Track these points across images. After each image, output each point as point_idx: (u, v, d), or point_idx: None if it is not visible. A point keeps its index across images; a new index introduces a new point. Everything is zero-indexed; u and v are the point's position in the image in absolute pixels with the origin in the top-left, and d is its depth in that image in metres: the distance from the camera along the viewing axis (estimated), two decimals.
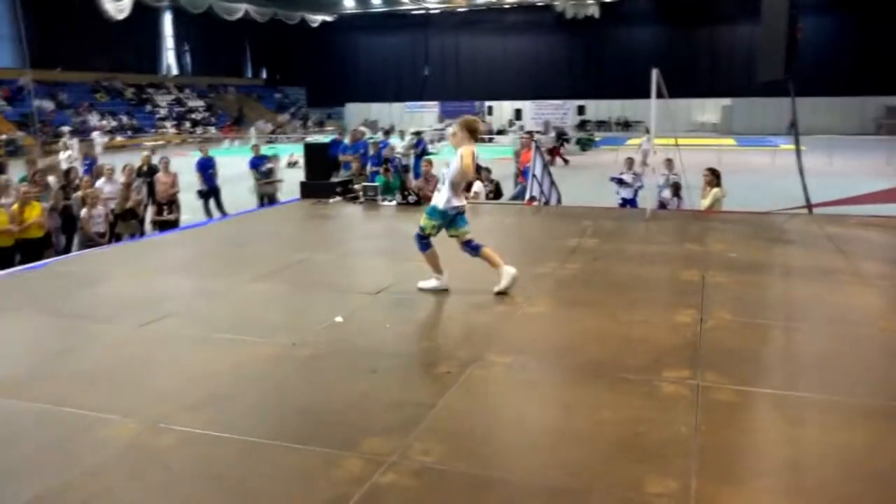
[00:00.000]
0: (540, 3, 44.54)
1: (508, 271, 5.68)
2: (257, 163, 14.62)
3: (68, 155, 14.02)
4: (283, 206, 11.28)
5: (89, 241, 9.93)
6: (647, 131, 23.50)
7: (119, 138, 36.85)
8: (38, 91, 37.82)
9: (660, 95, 8.97)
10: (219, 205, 14.22)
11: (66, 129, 34.72)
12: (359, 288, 6.00)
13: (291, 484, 3.06)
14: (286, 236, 8.62)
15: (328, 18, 49.83)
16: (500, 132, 40.30)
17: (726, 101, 40.81)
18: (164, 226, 11.06)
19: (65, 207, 10.60)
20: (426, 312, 5.42)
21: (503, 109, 44.67)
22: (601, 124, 44.19)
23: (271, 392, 3.98)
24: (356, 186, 11.18)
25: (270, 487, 3.01)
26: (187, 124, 42.54)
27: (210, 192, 14.19)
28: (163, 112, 42.82)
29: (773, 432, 3.50)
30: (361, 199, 10.81)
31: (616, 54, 43.68)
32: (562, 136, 28.39)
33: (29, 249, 9.08)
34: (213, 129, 42.66)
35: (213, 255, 7.58)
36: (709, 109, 41.43)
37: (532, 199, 10.50)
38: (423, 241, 5.71)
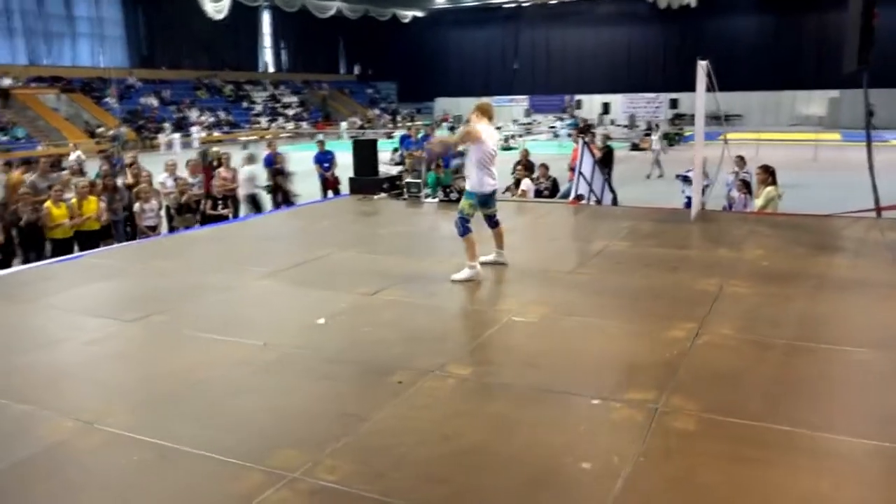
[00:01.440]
0: None
1: (469, 271, 5.92)
2: (321, 158, 14.85)
3: (77, 155, 14.67)
4: (330, 203, 11.38)
5: (142, 234, 10.36)
6: (656, 127, 21.70)
7: (216, 133, 38.48)
8: (145, 89, 40.18)
9: (709, 89, 8.37)
10: (286, 197, 14.61)
11: (167, 125, 36.65)
12: (361, 287, 5.90)
13: (186, 496, 2.99)
14: (315, 233, 8.65)
15: (419, 14, 50.15)
16: (589, 126, 39.33)
17: (834, 93, 38.12)
18: (215, 220, 11.36)
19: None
20: (412, 315, 5.26)
21: (593, 103, 43.54)
22: None
23: (217, 396, 3.95)
24: (403, 182, 11.13)
25: (164, 499, 2.96)
26: (280, 119, 43.92)
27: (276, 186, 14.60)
28: (258, 108, 44.40)
29: (725, 471, 3.11)
30: (405, 196, 10.75)
31: (714, 45, 41.43)
32: (588, 129, 27.33)
33: (87, 241, 9.55)
34: (304, 125, 43.86)
35: (236, 250, 7.69)
36: (815, 102, 38.82)
37: (579, 198, 10.09)
38: (466, 223, 6.01)
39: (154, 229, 10.49)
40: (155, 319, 5.20)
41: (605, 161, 15.32)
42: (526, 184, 11.09)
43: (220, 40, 44.11)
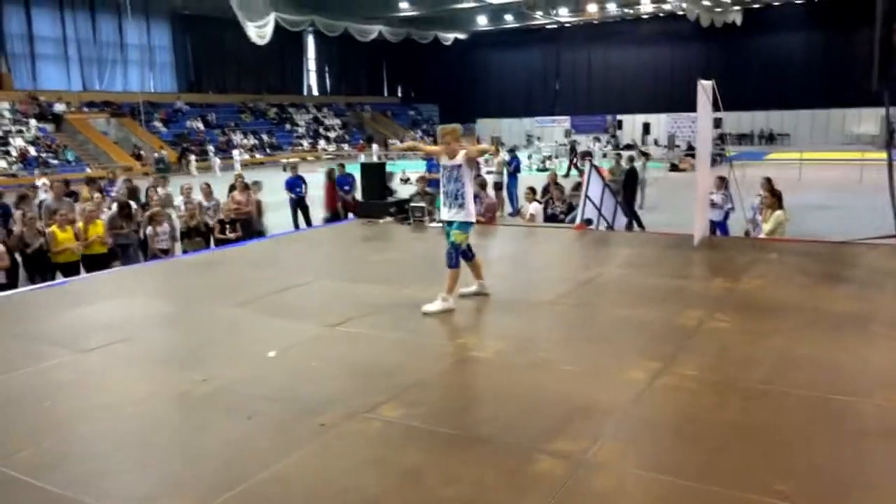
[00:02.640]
0: (680, 13, 42.39)
1: (442, 304, 5.70)
2: (342, 181, 14.88)
3: (121, 182, 14.99)
4: (334, 227, 11.27)
5: (154, 257, 10.44)
6: (642, 154, 20.76)
7: (258, 156, 39.21)
8: (191, 112, 41.28)
9: (715, 109, 7.99)
10: (306, 217, 14.70)
11: (210, 147, 37.49)
12: (329, 317, 5.71)
13: None
14: (307, 259, 8.53)
15: (461, 36, 50.39)
16: (630, 146, 38.70)
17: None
18: (223, 244, 11.38)
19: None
20: (368, 348, 5.03)
21: (635, 123, 42.83)
22: (742, 137, 41.23)
23: (130, 435, 3.77)
24: (409, 206, 10.96)
25: None
26: (322, 142, 44.52)
27: (298, 205, 14.74)
28: (301, 130, 45.12)
29: None
30: (410, 221, 10.57)
31: (759, 63, 40.67)
32: (586, 154, 26.55)
33: (93, 264, 9.64)
34: (346, 146, 44.34)
35: (220, 277, 7.62)
36: (866, 120, 37.35)
37: (587, 222, 9.74)
38: (458, 255, 5.83)
39: (167, 252, 10.56)
40: (115, 349, 5.09)
41: (628, 183, 14.94)
42: (533, 207, 10.78)
43: (265, 65, 45.12)
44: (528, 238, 9.41)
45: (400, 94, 55.68)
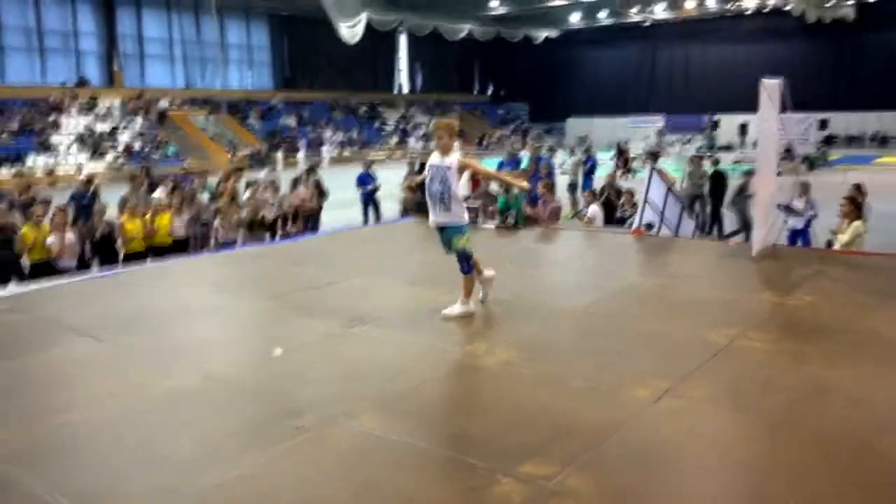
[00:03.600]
0: (785, 8, 40.16)
1: (462, 307, 5.52)
2: (363, 178, 15.10)
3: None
4: (388, 225, 11.25)
5: (219, 248, 10.78)
6: (654, 158, 18.90)
7: (346, 152, 40.00)
8: (285, 110, 42.61)
9: (782, 109, 7.42)
10: (377, 213, 14.91)
11: (302, 143, 38.57)
12: (347, 317, 5.65)
13: None
14: (353, 255, 8.51)
15: (552, 34, 49.67)
16: (728, 148, 37.06)
17: None
18: (284, 237, 11.61)
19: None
20: (374, 351, 4.93)
21: (733, 123, 40.90)
22: (852, 140, 38.62)
23: (99, 427, 3.78)
24: (471, 206, 10.79)
25: None
26: (410, 139, 44.95)
27: (369, 200, 15.02)
28: (389, 128, 45.73)
29: None
30: None
31: (872, 61, 37.93)
32: (623, 152, 24.67)
33: (158, 254, 10.04)
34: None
35: (261, 271, 7.72)
36: None
37: (647, 227, 9.29)
38: (468, 260, 5.57)
39: (230, 244, 10.89)
40: (123, 340, 5.21)
41: (715, 188, 14.16)
42: (592, 210, 10.40)
43: (357, 63, 46.05)
44: (580, 242, 9.07)
45: (490, 93, 55.51)
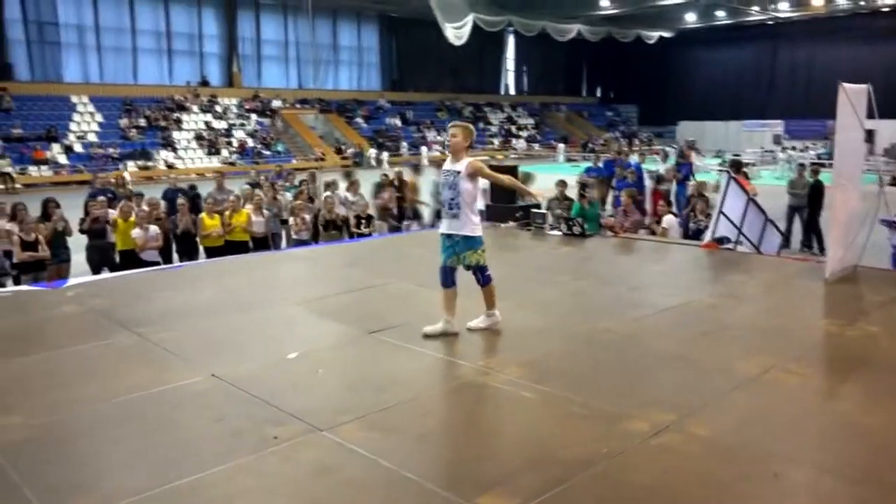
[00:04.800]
0: None
1: (485, 321, 5.41)
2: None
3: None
4: None
5: (294, 246, 11.12)
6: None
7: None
8: (392, 110, 43.46)
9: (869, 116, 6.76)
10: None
11: (404, 143, 39.23)
12: (370, 323, 5.64)
13: None
14: (403, 259, 8.51)
15: (666, 34, 47.90)
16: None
17: None
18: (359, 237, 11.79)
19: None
20: (382, 359, 4.88)
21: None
22: None
23: (89, 424, 3.90)
24: (538, 212, 10.56)
25: None
26: (514, 141, 44.71)
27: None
28: (493, 129, 45.66)
29: None
30: (531, 227, 10.20)
31: None
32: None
33: (235, 250, 10.46)
34: (536, 146, 44.18)
35: (308, 272, 7.87)
36: None
37: (719, 241, 8.72)
38: (484, 274, 5.36)
39: (305, 242, 11.21)
40: (157, 337, 5.40)
41: (813, 199, 13.17)
42: (667, 221, 9.89)
43: (464, 64, 46.28)
44: (644, 255, 8.64)
45: (598, 95, 54.31)
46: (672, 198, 16.82)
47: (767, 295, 6.43)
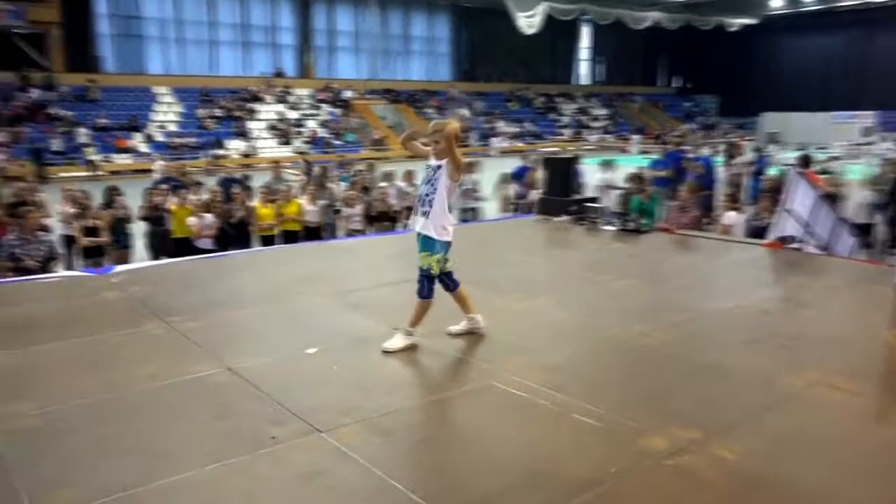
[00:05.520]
0: None
1: (404, 339, 4.85)
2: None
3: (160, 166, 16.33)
4: (508, 222, 10.86)
5: (348, 236, 11.14)
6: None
7: (518, 144, 39.80)
8: (461, 101, 43.23)
9: None
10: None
11: (472, 135, 38.96)
12: (398, 319, 5.42)
13: None
14: (454, 253, 8.30)
15: (749, 21, 45.82)
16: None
17: None
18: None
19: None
20: (399, 358, 4.71)
21: None
22: None
23: (98, 413, 3.89)
24: (591, 206, 10.18)
25: None
26: (585, 132, 43.78)
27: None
28: (565, 120, 44.83)
29: None
30: (585, 221, 9.83)
31: None
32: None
33: (288, 240, 10.55)
34: (609, 137, 43.13)
35: (348, 264, 7.78)
36: None
37: (783, 240, 8.15)
38: (430, 284, 4.87)
39: (359, 233, 11.22)
40: (187, 327, 5.39)
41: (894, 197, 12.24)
42: (730, 217, 9.33)
43: (537, 54, 45.64)
44: (701, 253, 8.17)
45: (676, 85, 52.55)
46: (743, 192, 16.03)
47: (828, 300, 5.93)
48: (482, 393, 4.14)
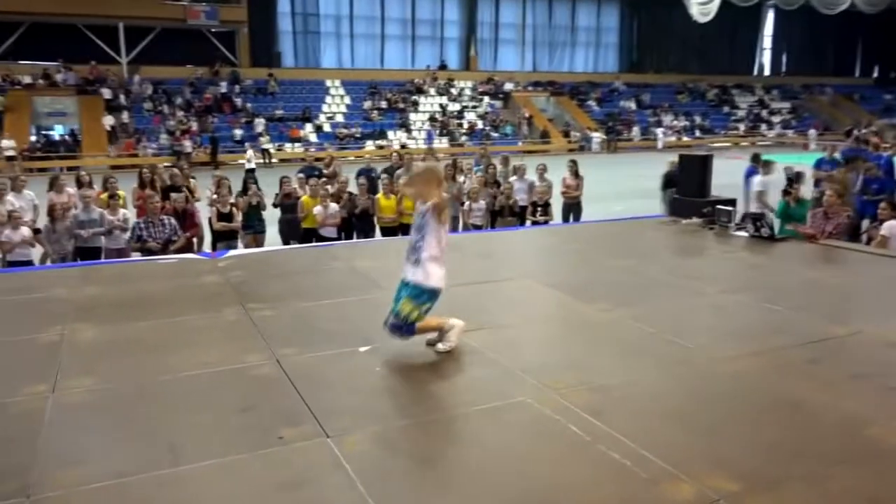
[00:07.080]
0: None
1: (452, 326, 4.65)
2: (751, 172, 13.14)
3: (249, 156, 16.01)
4: (633, 222, 10.13)
5: (467, 230, 11.07)
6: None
7: (685, 138, 37.64)
8: (627, 93, 41.65)
9: None
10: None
11: (636, 128, 37.40)
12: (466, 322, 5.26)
13: None
14: (552, 253, 7.93)
15: None
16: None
17: None
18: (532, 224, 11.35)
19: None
20: (442, 368, 4.46)
21: None
22: None
23: (118, 401, 4.00)
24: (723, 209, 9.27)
25: None
26: (763, 126, 40.50)
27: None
28: (740, 113, 41.73)
29: None
30: (714, 225, 8.97)
31: None
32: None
33: (407, 231, 10.65)
34: (790, 133, 39.57)
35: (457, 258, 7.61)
36: None
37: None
38: (409, 331, 4.56)
39: (479, 227, 11.11)
40: (262, 314, 5.50)
41: None
42: (889, 227, 8.06)
43: (711, 44, 42.88)
44: (840, 267, 7.12)
45: (874, 75, 47.09)
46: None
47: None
48: (511, 411, 3.81)
